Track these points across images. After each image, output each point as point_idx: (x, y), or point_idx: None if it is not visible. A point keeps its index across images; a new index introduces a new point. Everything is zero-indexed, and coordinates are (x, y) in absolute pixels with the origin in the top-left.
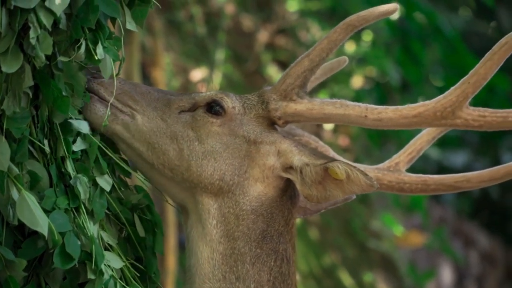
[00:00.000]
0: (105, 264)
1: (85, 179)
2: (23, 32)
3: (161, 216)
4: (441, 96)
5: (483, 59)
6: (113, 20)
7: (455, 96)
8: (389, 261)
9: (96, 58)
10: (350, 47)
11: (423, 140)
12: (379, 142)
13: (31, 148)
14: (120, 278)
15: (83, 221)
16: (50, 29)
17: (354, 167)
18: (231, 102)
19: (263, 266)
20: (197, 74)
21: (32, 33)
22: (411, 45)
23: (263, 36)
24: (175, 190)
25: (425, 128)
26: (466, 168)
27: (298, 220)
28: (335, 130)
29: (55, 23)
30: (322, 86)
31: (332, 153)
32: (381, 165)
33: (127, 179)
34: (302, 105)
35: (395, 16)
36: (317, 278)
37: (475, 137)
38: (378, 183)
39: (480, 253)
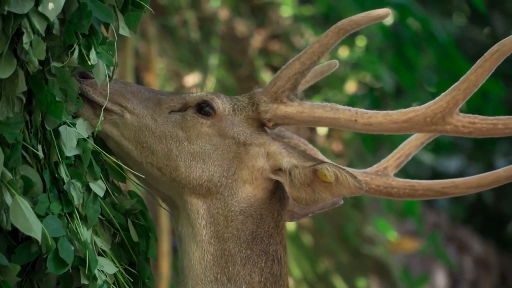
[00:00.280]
0: (98, 269)
1: (79, 184)
2: (16, 37)
3: (155, 221)
4: (431, 102)
5: (474, 66)
6: (107, 26)
7: (445, 102)
8: (383, 266)
9: (89, 64)
10: (343, 52)
11: (411, 145)
12: (373, 147)
13: (24, 154)
14: (114, 283)
15: (77, 227)
16: (44, 34)
17: (343, 169)
18: (221, 103)
19: (254, 267)
20: (191, 79)
21: (25, 38)
22: (405, 51)
23: (256, 41)
24: (164, 189)
25: (415, 133)
26: (460, 174)
27: (291, 226)
28: (329, 135)
29: (49, 28)
30: (315, 91)
31: (320, 156)
32: (369, 169)
33: (121, 184)
34: (292, 108)
35: (388, 22)
36: (311, 284)
37: (469, 143)
38: (366, 187)
39: (474, 258)
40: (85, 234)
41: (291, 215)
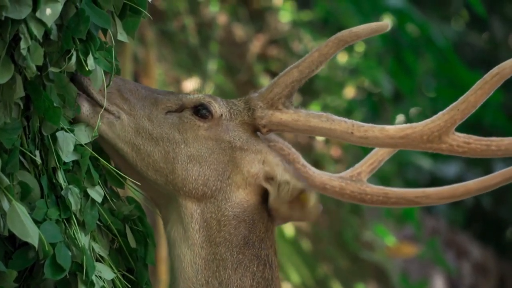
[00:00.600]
0: (96, 275)
1: (77, 190)
2: (14, 42)
3: (153, 227)
4: (429, 120)
5: (474, 86)
6: (105, 31)
7: (443, 121)
8: (382, 271)
9: (87, 69)
10: (342, 57)
11: (384, 151)
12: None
13: (22, 159)
14: None
15: (74, 232)
16: (41, 40)
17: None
18: (218, 107)
19: (246, 272)
20: (189, 84)
21: (23, 44)
22: (404, 56)
23: (255, 46)
24: (158, 192)
25: (410, 149)
26: (458, 179)
27: (290, 231)
28: (327, 141)
29: (46, 34)
30: (314, 96)
31: (302, 161)
32: (344, 174)
33: (119, 190)
34: (287, 115)
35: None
36: None
37: None
38: (342, 192)
39: (473, 263)
40: (83, 240)
41: None
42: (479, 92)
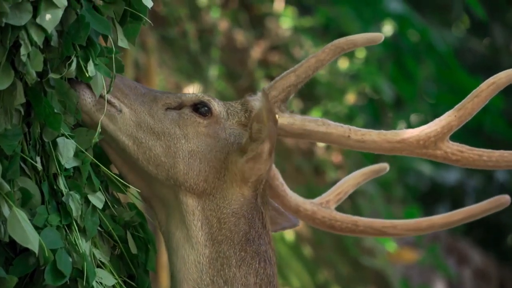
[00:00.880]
0: (97, 281)
1: (77, 196)
2: (14, 49)
3: (154, 233)
4: (425, 126)
5: (470, 94)
6: (105, 37)
7: (440, 127)
8: (382, 277)
9: (87, 76)
10: (343, 64)
11: (349, 184)
12: (372, 158)
13: (23, 165)
14: None
15: (75, 238)
16: (42, 46)
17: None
18: (217, 106)
19: (249, 269)
20: (190, 90)
21: (23, 50)
22: (404, 62)
23: (256, 52)
24: (158, 189)
25: (405, 155)
26: (459, 185)
27: (291, 237)
28: (328, 147)
29: (47, 40)
30: (315, 102)
31: (280, 179)
32: (314, 200)
33: (121, 196)
34: (283, 119)
35: (388, 33)
36: None
37: None
38: (313, 217)
39: (474, 270)
40: (84, 246)
41: None
42: (475, 100)
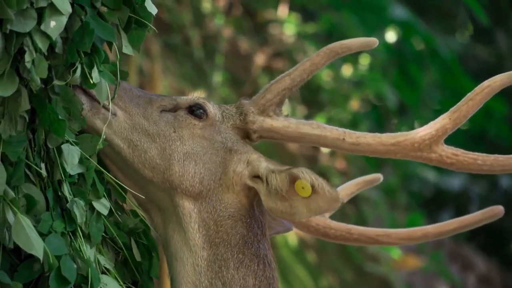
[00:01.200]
0: None
1: (82, 202)
2: (19, 55)
3: (157, 240)
4: (420, 128)
5: (465, 97)
6: (110, 44)
7: (435, 130)
8: (386, 284)
9: (92, 82)
10: (347, 70)
11: (343, 193)
12: (376, 164)
13: (27, 172)
14: None
15: (80, 245)
16: (46, 53)
17: (319, 177)
18: (212, 108)
19: (248, 271)
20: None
21: (27, 57)
22: (408, 68)
23: (260, 59)
24: (154, 193)
25: (400, 158)
26: (463, 191)
27: (295, 242)
28: (332, 153)
29: (51, 47)
30: (319, 108)
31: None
32: None
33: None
34: (278, 122)
35: (392, 39)
36: None
37: None
38: (308, 224)
39: (478, 275)
40: (88, 252)
41: None
42: (470, 103)
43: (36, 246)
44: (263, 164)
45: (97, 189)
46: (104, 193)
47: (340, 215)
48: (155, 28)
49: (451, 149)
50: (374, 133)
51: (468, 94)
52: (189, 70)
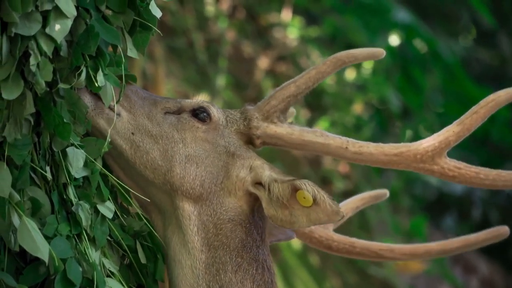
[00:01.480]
0: None
1: (87, 206)
2: (24, 59)
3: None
4: (423, 140)
5: (469, 111)
6: (114, 47)
7: (438, 141)
8: (389, 287)
9: (97, 85)
10: (350, 74)
11: (348, 207)
12: (379, 168)
13: (32, 175)
14: None
15: (85, 248)
16: (51, 56)
17: (321, 190)
18: (216, 112)
19: (246, 275)
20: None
21: (32, 60)
22: (411, 72)
23: (263, 62)
24: (154, 194)
25: (402, 169)
26: (466, 195)
27: (298, 245)
28: None
29: (56, 50)
30: (322, 112)
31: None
32: None
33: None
34: (282, 129)
35: (395, 43)
36: None
37: (475, 163)
38: (311, 235)
39: (480, 279)
40: (94, 255)
41: None
42: (474, 116)
43: (41, 249)
44: (267, 172)
45: (101, 192)
46: (109, 196)
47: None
48: (159, 32)
49: (454, 162)
50: (377, 143)
51: (472, 108)
52: (193, 73)
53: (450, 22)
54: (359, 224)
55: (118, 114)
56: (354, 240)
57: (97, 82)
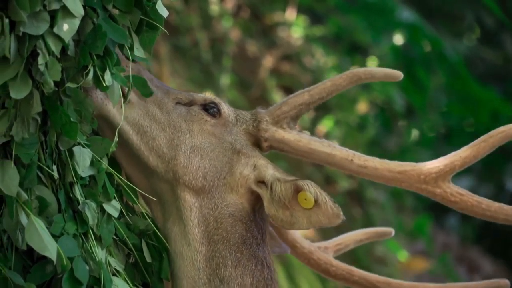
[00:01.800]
0: None
1: (93, 204)
2: (32, 58)
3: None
4: (429, 162)
5: (479, 139)
6: (121, 47)
7: (443, 164)
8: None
9: (104, 85)
10: None
11: (351, 239)
12: None
13: (39, 174)
14: None
15: (92, 246)
16: (59, 56)
17: (323, 192)
18: (227, 109)
19: (245, 270)
20: None
21: (40, 60)
22: (416, 71)
23: (268, 61)
24: (157, 183)
25: (404, 188)
26: None
27: None
28: None
29: (64, 49)
30: (327, 111)
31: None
32: (314, 243)
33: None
34: (290, 135)
35: (399, 42)
36: None
37: (478, 163)
38: (309, 256)
39: (484, 278)
40: (100, 254)
41: None
42: (482, 144)
43: (49, 247)
44: (270, 171)
45: (107, 191)
46: (115, 195)
47: (347, 218)
48: (166, 31)
49: (457, 188)
50: (383, 159)
51: (482, 136)
52: (197, 72)
53: (454, 21)
54: (363, 223)
55: (129, 100)
56: (352, 269)
57: (104, 81)
